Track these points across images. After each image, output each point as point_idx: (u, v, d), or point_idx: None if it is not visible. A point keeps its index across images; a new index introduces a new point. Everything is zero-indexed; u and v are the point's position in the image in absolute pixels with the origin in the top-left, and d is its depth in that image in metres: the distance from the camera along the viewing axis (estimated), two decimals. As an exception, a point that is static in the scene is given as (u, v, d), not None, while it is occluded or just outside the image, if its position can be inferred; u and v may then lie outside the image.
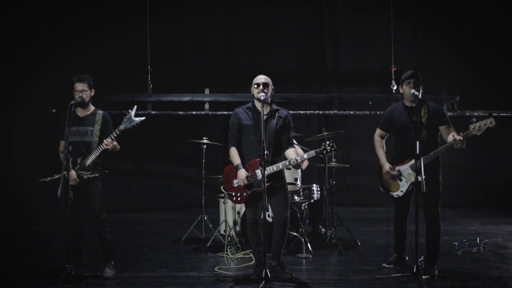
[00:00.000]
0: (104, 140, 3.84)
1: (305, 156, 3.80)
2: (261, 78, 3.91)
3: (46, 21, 7.18)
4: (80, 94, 3.92)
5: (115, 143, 3.89)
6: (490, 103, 7.19)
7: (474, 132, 3.74)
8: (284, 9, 7.92)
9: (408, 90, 3.98)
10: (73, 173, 3.80)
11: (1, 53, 7.05)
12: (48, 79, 6.99)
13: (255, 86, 3.89)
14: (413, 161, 3.91)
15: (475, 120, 3.75)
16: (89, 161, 3.89)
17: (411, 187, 3.99)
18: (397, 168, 4.06)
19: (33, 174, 4.05)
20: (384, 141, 4.25)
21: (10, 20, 7.14)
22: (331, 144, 3.77)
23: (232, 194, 3.98)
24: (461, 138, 3.73)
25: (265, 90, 3.83)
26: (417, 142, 3.67)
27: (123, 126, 3.85)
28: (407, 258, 4.26)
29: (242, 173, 3.84)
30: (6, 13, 7.09)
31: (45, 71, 7.11)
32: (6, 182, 7.02)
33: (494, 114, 6.68)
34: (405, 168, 4.01)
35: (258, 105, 3.91)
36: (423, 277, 3.71)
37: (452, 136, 3.80)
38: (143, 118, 3.88)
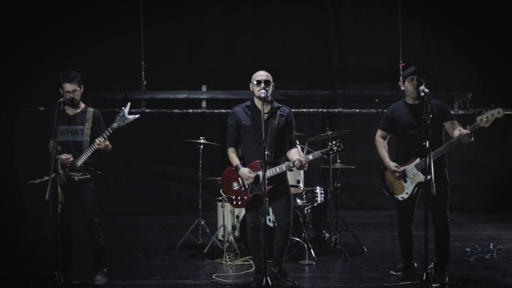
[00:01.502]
0: (96, 140, 3.75)
1: (310, 157, 3.67)
2: (262, 75, 3.74)
3: (46, 21, 7.15)
4: (71, 95, 3.81)
5: (107, 142, 3.79)
6: (503, 101, 6.94)
7: (482, 124, 3.58)
8: (285, 7, 7.79)
9: (410, 87, 3.84)
10: (62, 157, 3.66)
11: (1, 53, 7.04)
12: (48, 79, 6.92)
13: (256, 83, 3.72)
14: (418, 161, 3.79)
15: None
16: (80, 161, 3.79)
17: (416, 188, 3.84)
18: (401, 168, 3.90)
19: (27, 175, 3.96)
20: (386, 141, 4.10)
21: (10, 20, 7.13)
22: (337, 144, 3.63)
23: (232, 197, 3.85)
24: (468, 131, 3.57)
25: (267, 88, 3.67)
26: (427, 142, 3.51)
27: (116, 124, 3.76)
28: (416, 265, 4.12)
29: (245, 171, 3.69)
30: (6, 13, 7.09)
31: (45, 71, 7.08)
32: (6, 183, 6.97)
33: (508, 112, 6.47)
34: (410, 168, 3.86)
35: (258, 103, 3.76)
36: (433, 285, 3.59)
37: (458, 131, 3.65)
38: (137, 115, 3.79)
